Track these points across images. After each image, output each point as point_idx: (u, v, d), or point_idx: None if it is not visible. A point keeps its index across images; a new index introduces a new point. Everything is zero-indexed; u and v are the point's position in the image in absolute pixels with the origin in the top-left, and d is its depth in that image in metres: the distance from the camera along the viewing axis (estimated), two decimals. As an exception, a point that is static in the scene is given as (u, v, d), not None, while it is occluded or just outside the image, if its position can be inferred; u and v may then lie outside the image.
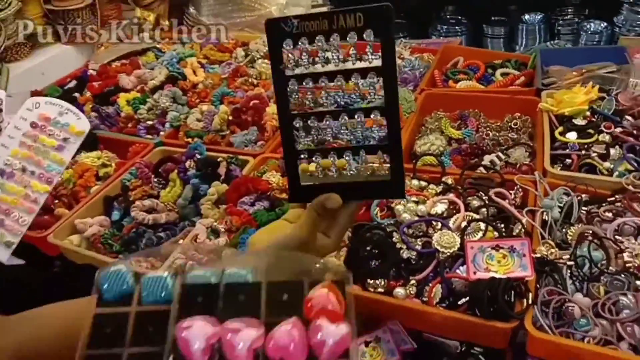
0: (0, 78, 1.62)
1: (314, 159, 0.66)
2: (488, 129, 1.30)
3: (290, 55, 0.63)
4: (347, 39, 0.61)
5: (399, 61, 1.60)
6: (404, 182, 0.67)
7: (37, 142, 0.95)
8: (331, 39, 0.62)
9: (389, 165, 0.65)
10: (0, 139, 0.91)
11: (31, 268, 1.14)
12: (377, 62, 0.62)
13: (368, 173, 0.65)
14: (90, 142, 1.40)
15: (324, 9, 2.02)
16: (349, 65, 0.63)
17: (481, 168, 1.11)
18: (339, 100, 0.65)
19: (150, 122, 1.43)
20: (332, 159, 0.66)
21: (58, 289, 1.15)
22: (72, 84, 1.65)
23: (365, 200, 0.86)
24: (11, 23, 1.67)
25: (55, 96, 1.60)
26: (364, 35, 0.61)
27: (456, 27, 3.95)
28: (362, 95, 0.65)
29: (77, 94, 1.59)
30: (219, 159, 1.19)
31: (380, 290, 0.87)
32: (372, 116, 0.66)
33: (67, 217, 1.13)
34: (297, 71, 0.63)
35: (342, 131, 0.66)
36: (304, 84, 0.64)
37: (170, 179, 1.19)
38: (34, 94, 1.62)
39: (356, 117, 0.66)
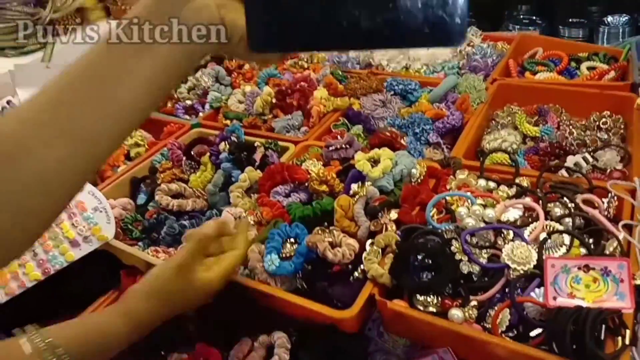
0: (45, 50, 1.56)
1: None
2: (572, 127, 1.10)
3: None
4: None
5: (467, 48, 1.42)
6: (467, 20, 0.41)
7: (57, 227, 0.87)
8: None
9: None
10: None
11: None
12: None
13: None
14: (126, 120, 1.31)
15: None
16: None
17: (563, 171, 0.93)
18: None
19: (189, 102, 1.33)
20: None
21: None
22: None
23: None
24: (61, -5, 1.61)
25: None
26: None
27: (529, 28, 3.69)
28: None
29: (119, 70, 1.51)
30: (255, 144, 1.06)
31: (431, 309, 0.71)
32: None
33: (89, 197, 1.03)
34: None
35: None
36: None
37: (202, 163, 1.07)
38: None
39: None
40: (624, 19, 3.28)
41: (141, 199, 1.08)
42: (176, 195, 1.02)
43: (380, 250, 0.77)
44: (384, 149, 0.92)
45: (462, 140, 1.04)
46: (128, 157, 1.21)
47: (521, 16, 3.76)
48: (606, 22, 3.28)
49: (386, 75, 1.34)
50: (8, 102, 1.26)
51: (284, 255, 0.82)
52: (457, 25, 0.40)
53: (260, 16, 0.42)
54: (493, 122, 1.16)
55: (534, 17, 3.75)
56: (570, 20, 3.47)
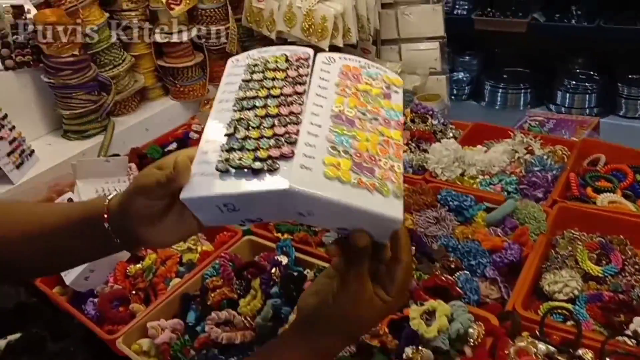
0: (106, 133, 1.62)
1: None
2: (637, 268, 1.05)
3: None
4: None
5: (527, 156, 1.38)
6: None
7: (359, 91, 0.68)
8: None
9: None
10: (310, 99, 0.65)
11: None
12: None
13: None
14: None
15: (442, 77, 1.85)
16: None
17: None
18: None
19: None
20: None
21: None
22: (173, 145, 1.61)
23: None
24: (123, 78, 1.67)
25: (155, 157, 1.57)
26: None
27: (586, 84, 3.60)
28: None
29: (175, 158, 1.54)
30: (306, 272, 1.06)
31: None
32: None
33: (141, 317, 1.05)
34: None
35: None
36: None
37: (252, 286, 1.07)
38: (134, 151, 1.60)
39: None
40: (689, 79, 3.14)
41: (191, 316, 1.08)
42: (226, 323, 1.03)
43: None
44: (440, 302, 0.89)
45: (522, 282, 1.00)
46: (181, 263, 1.22)
47: (577, 70, 3.66)
48: (671, 82, 3.14)
49: (439, 184, 1.32)
50: (69, 200, 1.31)
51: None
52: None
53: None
54: (553, 252, 1.12)
55: (591, 72, 3.64)
56: (630, 76, 3.35)
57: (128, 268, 1.17)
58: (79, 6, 1.50)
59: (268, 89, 0.67)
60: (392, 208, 0.56)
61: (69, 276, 1.15)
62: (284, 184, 0.54)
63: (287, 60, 0.71)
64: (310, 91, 0.66)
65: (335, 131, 0.61)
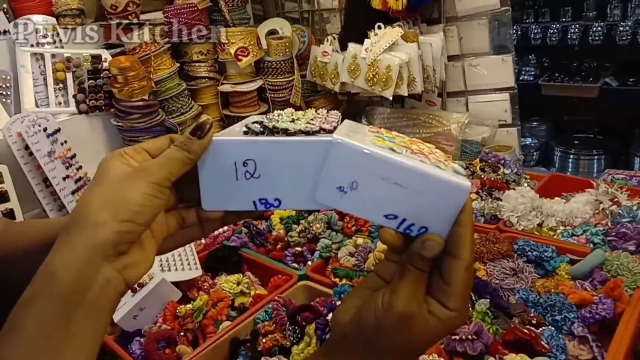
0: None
1: None
2: None
3: None
4: None
5: (612, 207, 1.25)
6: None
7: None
8: None
9: None
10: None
11: None
12: None
13: None
14: (235, 263, 1.28)
15: (513, 130, 1.76)
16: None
17: None
18: None
19: (299, 249, 1.27)
20: None
21: None
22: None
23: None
24: (189, 126, 1.69)
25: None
26: None
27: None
28: None
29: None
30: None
31: None
32: None
33: (187, 360, 0.98)
34: None
35: None
36: None
37: (306, 332, 0.98)
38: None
39: None
40: None
41: (240, 363, 1.00)
42: (276, 371, 0.93)
43: None
44: (522, 356, 0.77)
45: (618, 342, 0.86)
46: (233, 306, 1.15)
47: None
48: None
49: (515, 234, 1.20)
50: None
51: None
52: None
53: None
54: (653, 311, 0.97)
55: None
56: None
57: (178, 308, 1.11)
58: (152, 54, 1.55)
59: (296, 118, 0.56)
60: (456, 176, 0.46)
61: (117, 314, 1.10)
62: (327, 137, 0.46)
63: (315, 111, 0.60)
64: None
65: (377, 136, 0.51)
